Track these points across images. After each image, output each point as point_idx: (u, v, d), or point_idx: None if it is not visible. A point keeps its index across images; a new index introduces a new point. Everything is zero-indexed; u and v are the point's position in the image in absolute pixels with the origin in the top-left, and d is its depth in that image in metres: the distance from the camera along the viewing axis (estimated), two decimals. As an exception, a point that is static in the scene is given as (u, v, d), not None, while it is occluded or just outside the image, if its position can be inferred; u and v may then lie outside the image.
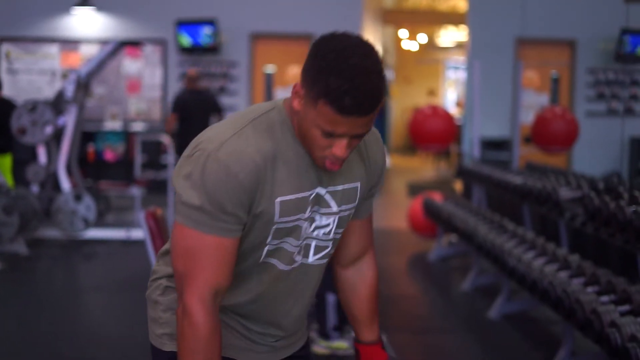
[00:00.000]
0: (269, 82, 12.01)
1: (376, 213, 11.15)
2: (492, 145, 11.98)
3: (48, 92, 11.85)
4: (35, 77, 12.27)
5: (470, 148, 10.68)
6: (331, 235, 1.99)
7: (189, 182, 1.78)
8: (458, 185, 11.76)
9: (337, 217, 1.97)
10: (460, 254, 7.88)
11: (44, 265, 7.42)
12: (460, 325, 5.73)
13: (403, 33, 21.41)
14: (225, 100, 11.96)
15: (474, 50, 12.21)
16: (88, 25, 12.19)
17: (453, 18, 18.82)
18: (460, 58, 20.86)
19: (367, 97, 1.70)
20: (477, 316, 5.84)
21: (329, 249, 2.02)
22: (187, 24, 11.83)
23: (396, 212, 10.72)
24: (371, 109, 1.73)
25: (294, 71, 12.36)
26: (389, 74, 18.38)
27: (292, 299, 2.03)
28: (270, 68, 12.19)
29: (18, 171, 9.03)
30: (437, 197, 8.14)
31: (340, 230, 2.02)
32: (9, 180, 8.38)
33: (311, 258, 1.99)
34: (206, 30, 11.81)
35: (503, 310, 5.75)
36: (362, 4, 12.45)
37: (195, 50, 11.93)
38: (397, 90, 21.40)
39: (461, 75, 21.32)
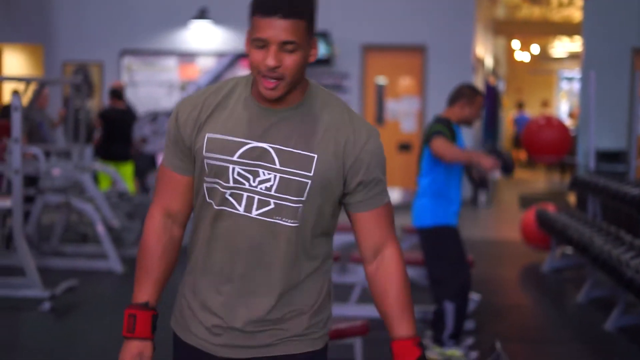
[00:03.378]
0: (381, 94, 12.11)
1: (487, 224, 11.07)
2: (608, 156, 11.74)
3: (166, 103, 12.24)
4: (154, 88, 12.69)
5: (585, 159, 10.51)
6: (273, 192, 2.08)
7: None
8: (571, 197, 11.58)
9: (278, 175, 2.07)
10: (574, 266, 7.78)
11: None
12: (575, 337, 5.68)
13: (515, 44, 21.19)
14: (337, 111, 12.07)
15: (588, 60, 12.01)
16: (205, 38, 12.53)
17: (567, 28, 18.54)
18: (573, 69, 20.50)
19: (289, 0, 1.97)
20: (592, 328, 5.78)
21: (272, 207, 2.09)
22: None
23: (508, 223, 10.64)
24: (291, 12, 1.97)
25: (406, 82, 12.42)
26: (501, 85, 18.21)
27: (246, 264, 2.12)
28: (381, 79, 12.28)
29: (139, 178, 9.36)
30: (550, 209, 8.07)
31: (285, 196, 2.08)
32: (130, 187, 8.70)
33: (254, 212, 2.09)
34: (319, 43, 11.97)
35: (619, 323, 5.67)
36: (474, 15, 12.42)
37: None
38: (509, 102, 21.17)
39: (575, 86, 20.95)
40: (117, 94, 9.54)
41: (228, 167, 2.08)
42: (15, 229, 6.29)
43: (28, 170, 7.00)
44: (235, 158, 2.08)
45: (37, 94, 7.73)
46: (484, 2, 14.14)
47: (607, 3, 11.99)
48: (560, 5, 16.85)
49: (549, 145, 8.67)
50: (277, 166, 2.07)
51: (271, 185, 2.08)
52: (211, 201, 2.13)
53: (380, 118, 12.34)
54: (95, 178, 8.92)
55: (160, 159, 8.68)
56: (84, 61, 12.50)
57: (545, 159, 8.96)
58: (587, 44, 12.12)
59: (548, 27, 19.08)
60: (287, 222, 2.10)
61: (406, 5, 12.14)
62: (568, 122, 17.93)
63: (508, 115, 21.26)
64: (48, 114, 9.25)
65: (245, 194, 2.09)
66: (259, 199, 2.09)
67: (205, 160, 2.10)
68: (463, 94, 5.05)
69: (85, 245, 8.15)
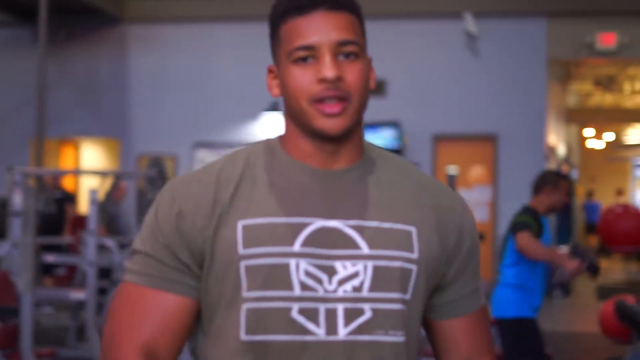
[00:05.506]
0: (452, 183, 12.03)
1: (564, 316, 10.79)
2: (688, 246, 11.42)
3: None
4: (226, 180, 12.83)
5: (665, 249, 10.23)
6: (365, 294, 1.38)
7: (141, 229, 1.47)
8: (652, 288, 11.24)
9: (371, 264, 1.38)
10: (657, 361, 7.49)
11: None
12: None
13: (588, 131, 21.00)
14: (408, 201, 12.04)
15: (665, 147, 11.80)
16: (276, 129, 12.69)
17: (640, 115, 18.32)
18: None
19: None
20: None
21: (369, 317, 1.38)
22: (371, 127, 12.12)
23: (585, 315, 10.36)
24: (338, 1, 1.42)
25: (478, 172, 12.35)
26: (574, 174, 17.99)
27: None
28: (452, 169, 12.24)
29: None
30: (630, 300, 7.83)
31: (388, 295, 1.39)
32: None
33: (342, 331, 1.35)
34: (390, 133, 12.04)
35: None
36: (545, 103, 12.36)
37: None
38: (582, 191, 20.87)
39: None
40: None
41: (288, 265, 1.35)
42: (88, 321, 6.34)
43: (102, 262, 7.09)
44: (296, 249, 1.36)
45: (114, 187, 7.89)
46: (555, 90, 14.09)
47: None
48: (633, 92, 16.68)
49: (626, 234, 8.48)
50: (366, 251, 1.38)
51: (361, 283, 1.37)
52: (257, 336, 1.35)
53: (452, 208, 12.24)
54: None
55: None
56: (159, 154, 12.76)
57: (623, 249, 8.75)
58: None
59: (621, 114, 18.88)
60: (393, 336, 1.40)
61: (477, 94, 12.15)
62: (645, 210, 17.55)
63: (578, 203, 20.97)
64: (124, 207, 9.41)
65: (322, 306, 1.36)
66: (345, 308, 1.36)
67: (243, 264, 1.35)
68: (547, 180, 4.99)
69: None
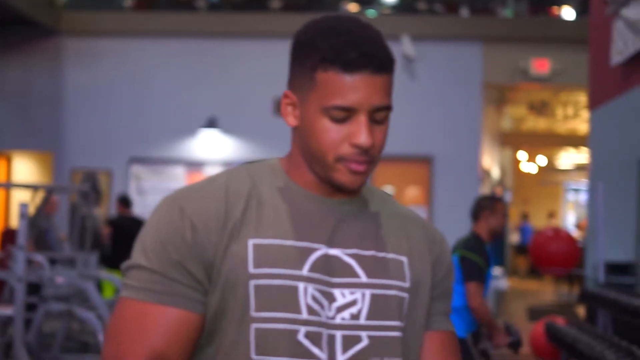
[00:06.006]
0: (388, 203, 12.13)
1: (497, 337, 10.70)
2: (616, 269, 11.65)
3: (173, 211, 12.25)
4: (161, 196, 12.71)
5: (594, 272, 10.42)
6: (362, 321, 1.40)
7: (138, 242, 1.43)
8: (580, 310, 11.43)
9: (369, 292, 1.41)
10: (585, 382, 7.60)
11: None
12: None
13: (522, 155, 21.34)
14: (344, 221, 12.09)
15: (595, 172, 12.06)
16: (213, 147, 12.64)
17: (572, 140, 18.69)
18: (580, 180, 20.58)
19: (373, 45, 1.37)
20: None
21: (365, 344, 1.40)
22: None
23: (517, 336, 10.46)
24: (383, 63, 1.38)
25: (413, 192, 12.44)
26: (507, 196, 18.25)
27: None
28: (388, 189, 12.31)
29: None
30: (559, 322, 7.94)
31: (384, 323, 1.43)
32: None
33: (340, 358, 1.37)
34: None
35: None
36: (481, 126, 12.53)
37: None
38: (515, 213, 21.18)
39: (581, 197, 20.97)
40: (125, 201, 9.57)
41: (297, 288, 1.36)
42: (16, 338, 6.20)
43: (31, 277, 6.94)
44: (305, 272, 1.37)
45: (45, 201, 7.74)
46: (490, 113, 14.30)
47: (612, 115, 12.11)
48: (566, 117, 17.02)
49: (557, 257, 8.63)
50: (364, 279, 1.41)
51: (359, 310, 1.40)
52: (266, 357, 1.35)
53: (387, 228, 12.32)
54: (100, 286, 8.85)
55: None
56: (93, 168, 12.59)
57: (554, 271, 8.88)
58: (593, 156, 12.19)
59: (554, 139, 19.25)
60: None
61: (413, 115, 12.26)
62: (576, 233, 17.88)
63: (512, 225, 21.28)
64: (55, 222, 9.25)
65: (325, 332, 1.37)
66: (343, 335, 1.38)
67: (253, 283, 1.35)
68: (483, 206, 5.07)
69: (86, 355, 8.02)
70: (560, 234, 9.04)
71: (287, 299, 1.35)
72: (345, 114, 1.36)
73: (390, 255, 1.46)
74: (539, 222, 21.40)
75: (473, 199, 5.61)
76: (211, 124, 12.44)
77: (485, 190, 13.08)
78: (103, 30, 12.70)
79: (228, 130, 12.57)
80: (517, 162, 21.71)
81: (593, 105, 11.41)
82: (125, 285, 1.40)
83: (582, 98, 14.93)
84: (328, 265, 1.39)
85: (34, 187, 7.98)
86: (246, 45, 12.58)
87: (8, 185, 12.52)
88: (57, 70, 12.76)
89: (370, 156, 1.40)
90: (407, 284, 1.46)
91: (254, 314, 1.35)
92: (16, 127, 12.78)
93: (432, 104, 12.31)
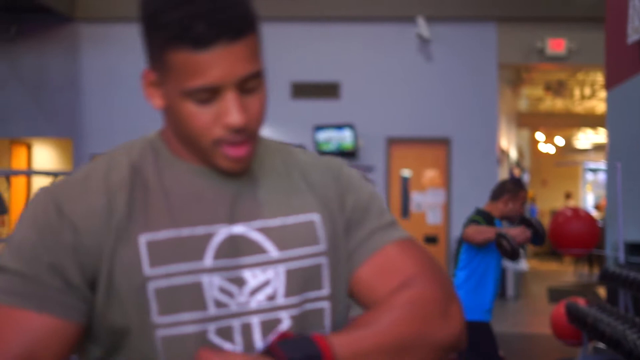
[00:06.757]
0: (405, 186, 12.11)
1: (516, 318, 10.86)
2: (636, 248, 11.61)
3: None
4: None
5: (614, 251, 10.40)
6: (280, 300, 1.25)
7: (8, 243, 1.23)
8: (601, 290, 11.42)
9: (283, 267, 1.26)
10: (606, 361, 7.60)
11: None
12: None
13: (539, 136, 21.26)
14: (362, 204, 12.10)
15: (613, 152, 12.00)
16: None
17: (590, 120, 18.60)
18: (598, 160, 20.49)
19: (223, 10, 1.17)
20: None
21: (287, 324, 1.26)
22: (326, 129, 12.14)
23: (537, 317, 10.48)
24: (240, 27, 1.19)
25: (431, 175, 12.43)
26: (525, 177, 18.20)
27: None
28: (406, 172, 12.30)
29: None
30: (580, 303, 7.93)
31: (306, 296, 1.28)
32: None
33: (259, 345, 1.23)
34: (345, 135, 12.07)
35: (656, 421, 5.50)
36: (497, 107, 12.49)
37: (333, 154, 12.14)
38: (534, 194, 21.13)
39: (600, 177, 20.89)
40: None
41: (201, 283, 1.21)
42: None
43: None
44: (207, 263, 1.22)
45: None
46: (506, 94, 14.25)
47: (629, 94, 12.04)
48: (583, 97, 16.94)
49: (577, 237, 8.60)
50: (275, 254, 1.26)
51: (275, 290, 1.26)
52: None
53: (405, 210, 12.32)
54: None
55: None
56: (111, 155, 12.65)
57: (574, 252, 8.86)
58: (611, 135, 12.13)
59: (571, 119, 19.15)
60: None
61: (429, 97, 12.24)
62: (595, 214, 17.84)
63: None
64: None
65: (236, 322, 1.23)
66: (261, 321, 1.24)
67: (152, 285, 1.19)
68: (507, 189, 5.03)
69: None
70: (579, 214, 9.01)
71: (191, 297, 1.20)
72: (209, 95, 1.19)
73: (300, 217, 1.30)
74: (557, 203, 21.33)
75: (491, 180, 5.61)
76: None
77: (503, 172, 13.05)
78: (119, 15, 12.72)
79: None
80: (535, 143, 21.64)
81: (610, 84, 11.36)
82: None
83: (599, 77, 14.86)
84: (234, 247, 1.24)
85: (54, 174, 8.02)
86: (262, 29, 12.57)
87: (29, 173, 12.60)
88: (74, 56, 12.80)
89: (248, 134, 1.23)
90: (322, 247, 1.30)
91: (156, 320, 1.19)
92: (35, 115, 12.85)
93: (448, 86, 12.27)
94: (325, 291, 1.30)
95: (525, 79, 15.34)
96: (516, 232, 4.73)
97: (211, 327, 1.21)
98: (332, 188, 1.36)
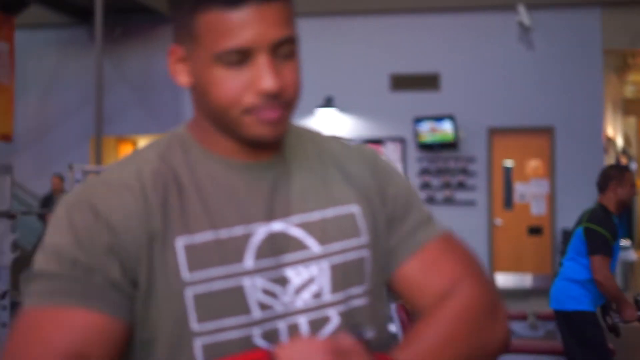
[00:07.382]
0: (508, 176, 11.95)
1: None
2: None
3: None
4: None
5: None
6: (326, 298, 1.20)
7: (43, 250, 1.17)
8: None
9: (326, 262, 1.21)
10: None
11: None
12: None
13: (646, 123, 20.66)
14: (463, 196, 11.99)
15: None
16: (330, 125, 12.72)
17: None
18: None
19: None
20: None
21: (336, 323, 1.20)
22: (426, 120, 12.07)
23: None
24: None
25: (534, 165, 12.22)
26: (633, 166, 17.72)
27: None
28: (509, 162, 12.14)
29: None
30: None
31: (354, 291, 1.24)
32: None
33: None
34: (445, 127, 11.98)
35: None
36: (602, 94, 12.19)
37: (434, 146, 12.10)
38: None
39: None
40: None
41: (242, 287, 1.16)
42: None
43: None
44: (248, 265, 1.17)
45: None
46: (611, 81, 13.90)
47: None
48: (693, 82, 16.38)
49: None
50: (317, 249, 1.21)
51: (321, 287, 1.20)
52: None
53: (508, 201, 12.16)
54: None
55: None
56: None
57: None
58: None
59: (681, 105, 18.54)
60: (367, 336, 1.21)
61: (532, 86, 12.03)
62: None
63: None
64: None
65: (282, 324, 1.17)
66: (309, 321, 1.19)
67: (191, 291, 1.14)
68: (611, 176, 4.89)
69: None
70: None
71: (232, 301, 1.15)
72: (240, 57, 1.13)
73: (339, 209, 1.25)
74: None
75: (597, 169, 5.47)
76: (328, 103, 12.51)
77: (609, 160, 12.74)
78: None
79: (345, 108, 12.61)
80: (642, 130, 21.03)
81: None
82: (29, 294, 1.14)
83: None
84: (274, 246, 1.19)
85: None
86: (360, 21, 12.59)
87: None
88: (177, 55, 13.07)
89: (284, 101, 1.18)
90: (364, 239, 1.25)
91: (196, 327, 1.13)
92: (140, 113, 13.18)
93: (551, 74, 12.04)
94: (366, 286, 1.25)
95: (631, 64, 14.93)
96: (628, 314, 4.69)
97: (256, 331, 1.15)
98: (370, 179, 1.31)
